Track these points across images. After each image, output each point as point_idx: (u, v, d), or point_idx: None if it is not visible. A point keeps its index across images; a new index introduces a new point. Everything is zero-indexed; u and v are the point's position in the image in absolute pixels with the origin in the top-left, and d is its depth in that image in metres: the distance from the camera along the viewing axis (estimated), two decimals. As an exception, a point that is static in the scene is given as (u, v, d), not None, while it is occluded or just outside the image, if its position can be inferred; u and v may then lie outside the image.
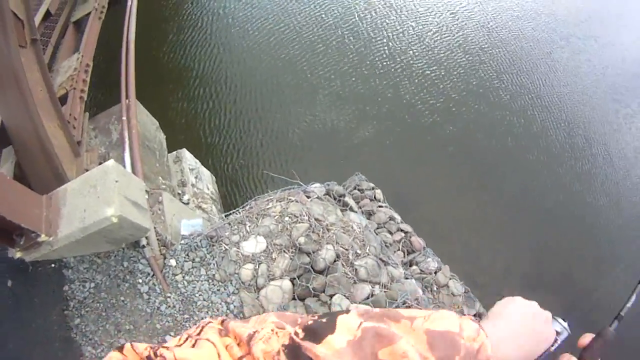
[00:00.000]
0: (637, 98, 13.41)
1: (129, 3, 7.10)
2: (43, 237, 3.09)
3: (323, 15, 12.71)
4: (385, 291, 4.50)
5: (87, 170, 4.29)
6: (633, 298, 1.49)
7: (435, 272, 5.63)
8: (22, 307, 3.91)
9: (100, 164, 4.53)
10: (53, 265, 4.06)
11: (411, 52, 12.06)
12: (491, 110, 11.15)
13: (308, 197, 5.45)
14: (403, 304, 4.39)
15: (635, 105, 13.12)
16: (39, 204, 3.26)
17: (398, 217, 6.22)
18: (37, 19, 5.33)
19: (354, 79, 10.98)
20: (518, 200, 9.65)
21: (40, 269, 4.01)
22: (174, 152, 6.38)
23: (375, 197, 6.62)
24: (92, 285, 4.03)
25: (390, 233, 6.02)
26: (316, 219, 5.08)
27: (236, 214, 4.90)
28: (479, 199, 9.20)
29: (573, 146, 11.12)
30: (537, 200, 9.82)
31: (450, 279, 5.67)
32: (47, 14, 6.10)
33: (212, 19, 12.16)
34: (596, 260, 9.32)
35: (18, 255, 3.08)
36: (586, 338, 1.27)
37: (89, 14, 6.48)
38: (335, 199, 5.89)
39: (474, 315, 5.60)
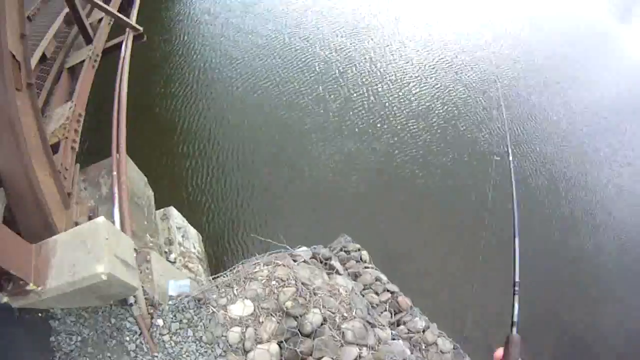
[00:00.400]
0: (617, 136, 14.19)
1: (122, 54, 7.29)
2: (31, 286, 3.09)
3: (305, 72, 13.35)
4: (373, 353, 4.46)
5: (76, 223, 4.26)
6: (516, 305, 1.78)
7: (423, 331, 5.62)
8: (9, 352, 3.80)
9: (89, 217, 4.52)
10: (40, 314, 3.97)
11: (390, 105, 12.67)
12: (470, 160, 11.55)
13: (295, 260, 5.48)
14: (391, 366, 4.33)
15: (615, 143, 13.87)
16: (29, 252, 3.27)
17: (384, 278, 6.25)
18: (33, 61, 5.37)
19: (336, 135, 11.36)
20: (503, 250, 9.74)
21: (27, 317, 3.92)
22: (162, 210, 6.34)
23: (361, 259, 6.67)
24: (79, 339, 3.92)
25: (377, 294, 6.02)
26: (303, 283, 5.07)
27: (224, 276, 4.87)
28: (464, 253, 9.20)
29: (555, 191, 11.64)
30: (524, 249, 9.95)
31: (438, 336, 5.65)
32: (43, 57, 6.23)
33: (198, 74, 12.62)
34: (584, 299, 9.63)
35: (4, 300, 3.08)
36: (499, 350, 1.46)
37: (83, 61, 6.59)
38: (321, 262, 5.92)
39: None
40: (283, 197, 9.53)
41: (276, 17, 15.79)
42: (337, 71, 13.54)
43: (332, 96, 12.58)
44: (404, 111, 12.55)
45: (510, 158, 4.54)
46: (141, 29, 7.94)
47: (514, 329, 1.68)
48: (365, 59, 14.52)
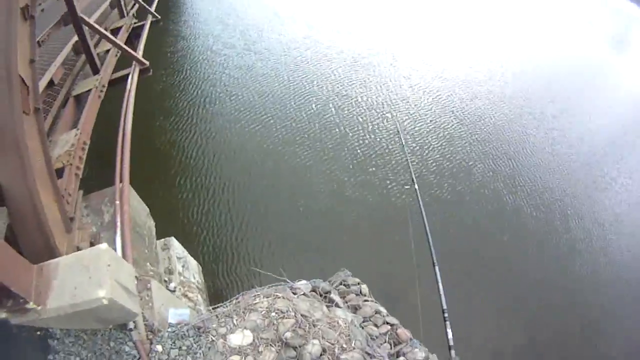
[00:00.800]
0: (616, 164, 14.40)
1: (128, 86, 7.44)
2: (31, 305, 3.11)
3: (302, 109, 13.76)
4: (373, 384, 4.35)
5: (78, 248, 4.24)
6: (449, 329, 1.91)
7: (423, 362, 5.48)
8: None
9: (91, 242, 4.50)
10: (39, 332, 3.89)
11: (384, 144, 12.94)
12: (466, 194, 11.69)
13: (294, 293, 5.47)
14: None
15: (613, 172, 14.05)
16: (30, 271, 3.30)
17: (384, 310, 6.19)
18: (41, 86, 5.44)
19: (334, 170, 11.57)
20: (501, 279, 9.83)
21: (24, 334, 3.85)
22: (163, 240, 6.35)
23: (361, 292, 6.62)
24: (78, 359, 3.80)
25: (376, 326, 5.95)
26: (302, 315, 5.04)
27: (223, 307, 4.82)
28: (464, 284, 9.32)
29: (551, 222, 12.01)
30: (520, 277, 10.16)
31: (438, 366, 5.52)
32: (50, 83, 6.32)
33: (198, 108, 12.93)
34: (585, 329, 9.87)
35: (3, 316, 3.09)
36: None
37: (89, 90, 6.73)
38: (321, 295, 5.89)
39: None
40: (282, 231, 9.59)
41: (276, 56, 16.31)
42: (333, 109, 13.92)
43: (328, 133, 12.91)
44: (396, 151, 12.79)
45: (416, 186, 4.70)
46: (147, 62, 8.14)
47: (452, 352, 1.77)
48: (362, 97, 14.92)
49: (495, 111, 15.90)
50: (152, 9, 11.81)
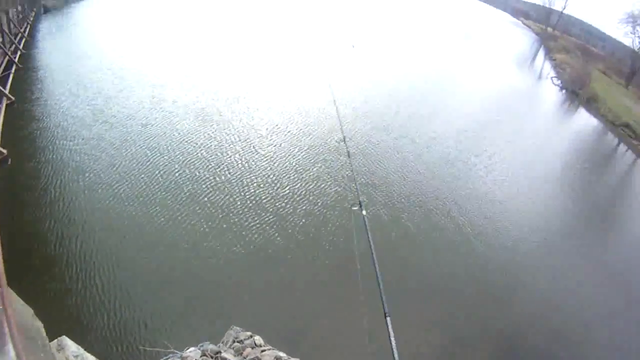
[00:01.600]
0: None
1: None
2: None
3: (153, 174, 13.41)
4: None
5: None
6: (393, 341, 2.07)
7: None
8: None
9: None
10: None
11: (253, 189, 13.23)
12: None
13: (186, 362, 5.26)
14: None
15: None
16: None
17: (284, 355, 6.19)
18: None
19: (190, 226, 11.51)
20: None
21: None
22: (55, 341, 5.71)
23: (255, 343, 6.54)
24: None
25: (281, 371, 5.93)
26: (199, 382, 4.86)
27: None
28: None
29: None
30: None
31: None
32: None
33: (60, 191, 11.96)
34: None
35: None
36: None
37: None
38: (212, 357, 5.73)
39: None
40: (168, 304, 9.21)
41: (123, 123, 15.92)
42: (181, 167, 13.94)
43: (178, 190, 12.84)
44: (267, 193, 13.34)
45: (364, 212, 5.12)
46: (5, 151, 7.38)
47: None
48: (207, 148, 15.30)
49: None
50: (7, 91, 10.83)
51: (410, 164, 16.91)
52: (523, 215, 15.91)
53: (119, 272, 9.67)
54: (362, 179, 14.85)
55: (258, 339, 6.64)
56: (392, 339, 3.19)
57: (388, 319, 3.51)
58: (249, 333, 6.79)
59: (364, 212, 5.18)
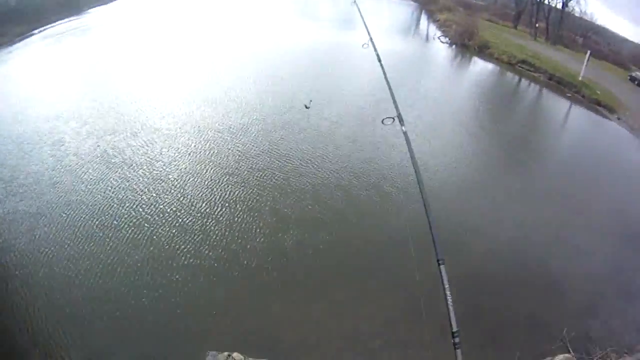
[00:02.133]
0: None
1: None
2: None
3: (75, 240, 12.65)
4: None
5: None
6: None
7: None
8: None
9: None
10: None
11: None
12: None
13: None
14: None
15: None
16: None
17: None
18: None
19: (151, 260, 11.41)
20: None
21: None
22: None
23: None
24: None
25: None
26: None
27: None
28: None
29: None
30: None
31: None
32: None
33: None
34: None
35: None
36: None
37: None
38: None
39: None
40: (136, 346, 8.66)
41: (34, 190, 14.60)
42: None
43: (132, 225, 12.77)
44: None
45: None
46: None
47: None
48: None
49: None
50: None
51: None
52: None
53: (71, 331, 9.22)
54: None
55: (236, 355, 6.40)
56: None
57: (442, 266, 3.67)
58: (226, 353, 6.51)
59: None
